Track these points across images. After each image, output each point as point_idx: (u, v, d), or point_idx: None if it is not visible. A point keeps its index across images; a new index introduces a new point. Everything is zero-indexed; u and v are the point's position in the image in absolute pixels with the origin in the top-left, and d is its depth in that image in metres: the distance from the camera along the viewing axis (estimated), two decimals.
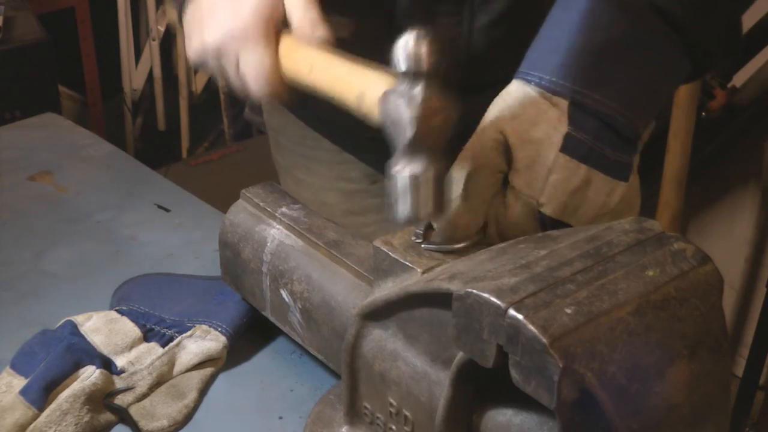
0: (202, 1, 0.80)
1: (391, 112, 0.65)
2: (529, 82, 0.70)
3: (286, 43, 0.78)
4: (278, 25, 0.77)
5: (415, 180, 0.64)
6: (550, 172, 0.68)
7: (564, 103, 0.68)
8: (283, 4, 0.77)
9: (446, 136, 0.64)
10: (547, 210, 0.68)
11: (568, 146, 0.68)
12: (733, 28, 0.78)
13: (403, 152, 0.65)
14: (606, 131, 0.68)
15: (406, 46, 0.64)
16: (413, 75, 0.64)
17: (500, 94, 0.71)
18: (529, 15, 0.78)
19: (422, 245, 0.70)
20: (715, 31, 0.74)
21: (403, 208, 0.65)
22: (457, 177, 0.71)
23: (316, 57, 0.75)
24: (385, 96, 0.66)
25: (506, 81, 0.73)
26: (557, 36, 0.70)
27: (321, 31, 0.75)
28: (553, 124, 0.68)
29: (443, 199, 0.66)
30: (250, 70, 0.76)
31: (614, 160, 0.69)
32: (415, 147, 0.64)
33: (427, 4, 0.88)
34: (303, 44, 0.76)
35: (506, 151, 0.69)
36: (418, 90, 0.64)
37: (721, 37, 0.75)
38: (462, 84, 0.91)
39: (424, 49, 0.63)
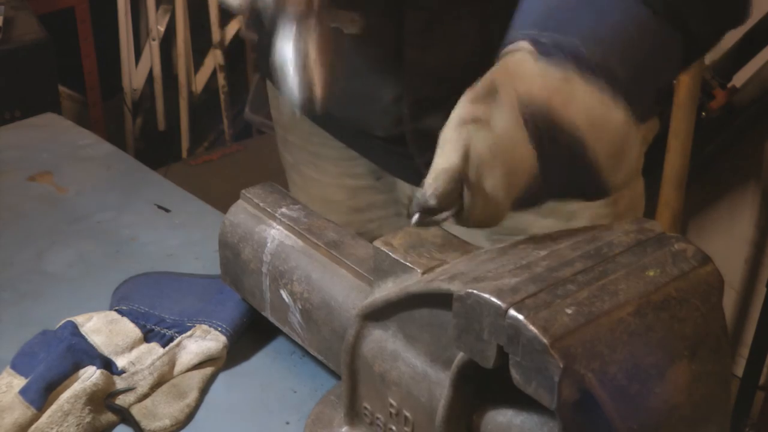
0: None
1: None
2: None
3: None
4: None
5: (297, 50, 0.59)
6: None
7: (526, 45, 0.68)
8: None
9: None
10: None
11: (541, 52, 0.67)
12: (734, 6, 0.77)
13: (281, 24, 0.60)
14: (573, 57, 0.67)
15: None
16: None
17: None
18: None
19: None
20: (710, 12, 0.73)
21: (293, 89, 0.60)
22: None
23: None
24: None
25: None
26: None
27: None
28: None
29: (334, 74, 0.60)
30: None
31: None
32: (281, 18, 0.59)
33: None
34: None
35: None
36: None
37: (717, 18, 0.74)
38: (477, 70, 0.92)
39: None
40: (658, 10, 0.69)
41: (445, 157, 0.64)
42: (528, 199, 0.66)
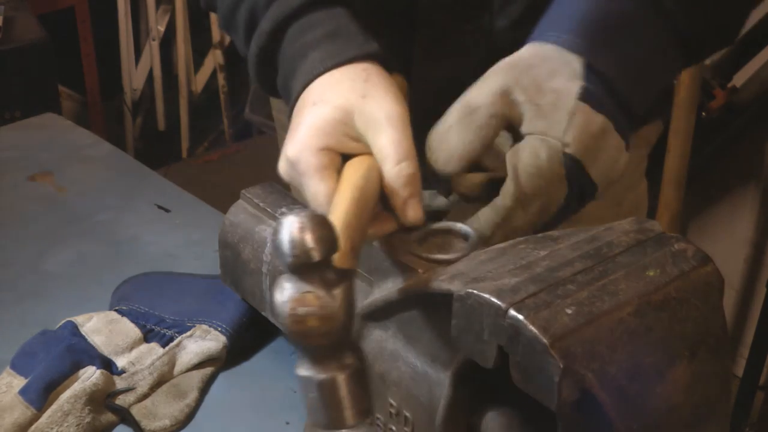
0: (294, 113, 0.73)
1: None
2: (545, 41, 0.70)
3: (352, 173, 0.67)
4: (336, 151, 0.69)
5: (321, 386, 0.57)
6: (572, 114, 0.67)
7: (578, 60, 0.69)
8: (349, 128, 0.69)
9: (331, 338, 0.56)
10: (572, 149, 0.67)
11: (586, 96, 0.68)
12: (731, 17, 0.79)
13: (301, 352, 0.58)
14: (611, 95, 0.69)
15: (290, 233, 0.55)
16: (294, 267, 0.56)
17: (510, 55, 0.71)
18: None
19: (408, 251, 0.69)
20: (706, 21, 0.75)
21: (320, 416, 0.58)
22: (453, 109, 0.70)
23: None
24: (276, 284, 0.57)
25: None
26: (573, 4, 0.72)
27: (413, 206, 0.67)
28: (570, 77, 0.68)
29: (364, 401, 0.58)
30: (308, 199, 0.69)
31: (620, 121, 0.70)
32: (302, 348, 0.57)
33: (448, 12, 0.89)
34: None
35: (513, 102, 0.69)
36: (290, 285, 0.56)
37: (712, 27, 0.76)
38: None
39: (309, 237, 0.55)
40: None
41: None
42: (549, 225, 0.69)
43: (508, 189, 0.68)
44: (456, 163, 0.69)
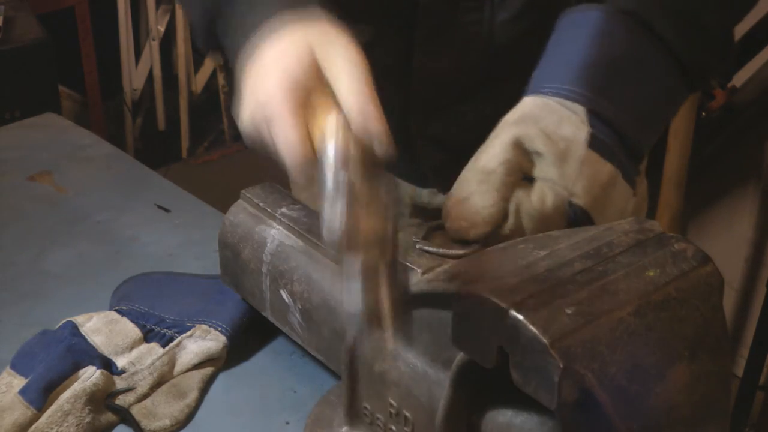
0: (252, 65, 0.72)
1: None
2: (545, 93, 0.71)
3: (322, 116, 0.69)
4: (307, 97, 0.69)
5: (364, 272, 0.60)
6: (582, 164, 0.68)
7: (582, 110, 0.69)
8: (321, 74, 0.69)
9: (382, 231, 0.60)
10: (581, 201, 0.68)
11: (594, 144, 0.69)
12: (725, 41, 0.80)
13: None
14: (618, 141, 0.70)
15: (331, 134, 0.60)
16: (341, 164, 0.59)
17: (513, 109, 0.72)
18: (548, 10, 0.78)
19: (419, 247, 0.70)
20: (708, 50, 0.76)
21: (355, 301, 0.61)
22: (469, 176, 0.71)
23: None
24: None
25: (527, 72, 0.74)
26: (569, 52, 0.72)
27: (379, 134, 0.68)
28: (576, 125, 0.69)
29: (397, 295, 0.62)
30: (279, 145, 0.69)
31: (628, 166, 0.70)
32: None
33: (448, 4, 0.89)
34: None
35: (526, 152, 0.70)
36: (342, 181, 0.59)
37: (714, 55, 0.77)
38: (484, 75, 0.92)
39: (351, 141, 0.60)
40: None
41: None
42: None
43: (507, 223, 0.70)
44: (482, 228, 0.70)
